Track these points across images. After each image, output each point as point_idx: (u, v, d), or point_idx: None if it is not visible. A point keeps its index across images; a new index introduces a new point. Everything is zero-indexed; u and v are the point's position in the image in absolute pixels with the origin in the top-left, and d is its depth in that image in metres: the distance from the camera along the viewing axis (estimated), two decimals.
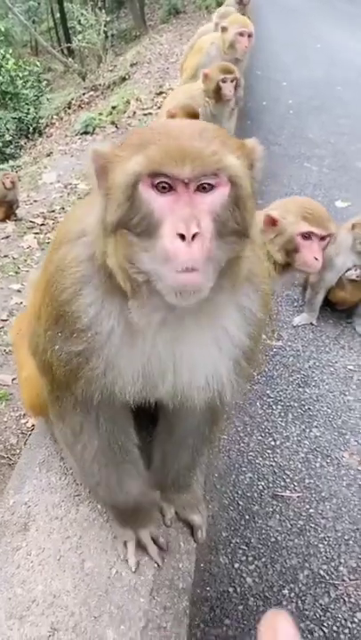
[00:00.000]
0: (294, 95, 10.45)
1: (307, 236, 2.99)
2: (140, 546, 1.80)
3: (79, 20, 18.13)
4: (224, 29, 5.59)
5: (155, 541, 1.83)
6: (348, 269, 4.49)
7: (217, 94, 4.86)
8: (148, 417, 1.91)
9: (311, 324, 4.70)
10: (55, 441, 2.04)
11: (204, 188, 1.26)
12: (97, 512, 1.83)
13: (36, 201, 9.34)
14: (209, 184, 1.26)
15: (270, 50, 13.58)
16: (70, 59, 20.54)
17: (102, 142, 1.39)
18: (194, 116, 4.33)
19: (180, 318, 1.42)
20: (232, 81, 4.86)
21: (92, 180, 1.37)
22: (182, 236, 1.20)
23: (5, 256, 7.47)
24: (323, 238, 3.04)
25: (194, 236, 1.20)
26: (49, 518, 1.80)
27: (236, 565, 2.92)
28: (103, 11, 19.27)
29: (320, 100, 10.22)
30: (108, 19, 19.07)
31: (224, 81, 4.81)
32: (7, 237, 8.02)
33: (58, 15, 25.32)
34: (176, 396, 1.58)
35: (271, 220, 3.03)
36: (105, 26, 18.32)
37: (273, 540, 3.05)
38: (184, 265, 1.21)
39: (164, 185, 1.25)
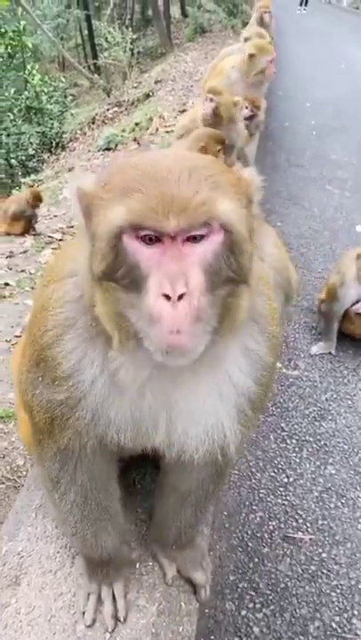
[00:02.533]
0: (317, 116, 10.38)
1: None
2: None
3: (106, 38, 18.35)
4: (252, 56, 5.53)
5: (117, 599, 1.70)
6: (354, 303, 4.36)
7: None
8: (151, 463, 1.80)
9: (330, 353, 4.56)
10: None
11: (194, 239, 1.15)
12: None
13: (55, 216, 9.36)
14: (199, 235, 1.15)
15: (293, 70, 13.58)
16: (96, 75, 20.78)
17: (87, 177, 1.26)
18: (223, 142, 4.27)
19: (173, 370, 1.30)
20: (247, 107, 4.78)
21: (78, 218, 1.26)
22: (168, 296, 1.09)
23: (22, 271, 7.44)
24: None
25: (181, 296, 1.09)
26: (42, 571, 1.68)
27: (243, 613, 2.77)
28: (130, 28, 19.51)
29: (343, 121, 10.13)
30: (134, 36, 19.31)
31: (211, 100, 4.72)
32: (25, 252, 8.01)
33: (86, 32, 25.73)
34: (171, 448, 1.46)
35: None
36: (131, 43, 18.52)
37: (283, 585, 2.89)
38: (169, 329, 1.10)
39: (151, 237, 1.13)
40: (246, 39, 5.65)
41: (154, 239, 1.13)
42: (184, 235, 1.13)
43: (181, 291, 1.09)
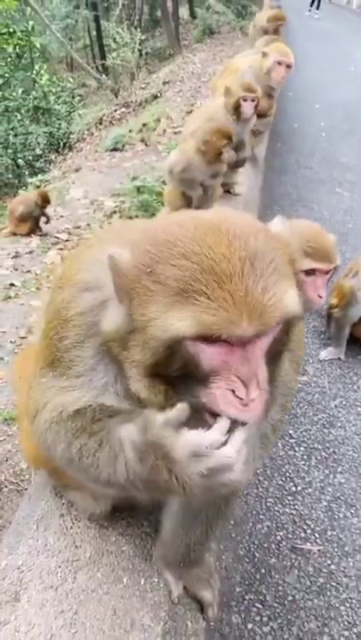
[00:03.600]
0: (327, 118, 10.30)
1: (310, 272, 2.80)
2: None
3: (114, 38, 18.34)
4: (265, 55, 5.46)
5: None
6: None
7: (236, 111, 4.69)
8: None
9: (339, 358, 4.47)
10: (56, 494, 1.88)
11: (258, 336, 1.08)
12: (96, 582, 1.65)
13: (62, 216, 9.31)
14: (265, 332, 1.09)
15: (303, 72, 13.49)
16: (104, 75, 20.80)
17: (122, 250, 1.12)
18: (230, 137, 4.20)
19: None
20: (253, 100, 4.68)
21: (109, 287, 1.19)
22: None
23: (28, 271, 7.40)
24: (327, 272, 2.85)
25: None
26: (43, 587, 1.62)
27: (250, 626, 2.69)
28: (138, 29, 19.49)
29: (353, 123, 10.05)
30: (143, 37, 19.28)
31: (245, 99, 4.64)
32: (31, 252, 7.97)
33: (94, 33, 25.78)
34: None
35: None
36: (139, 44, 18.51)
37: (290, 598, 2.81)
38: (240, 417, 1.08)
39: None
40: (265, 54, 5.56)
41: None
42: (256, 337, 1.07)
43: (255, 394, 1.06)
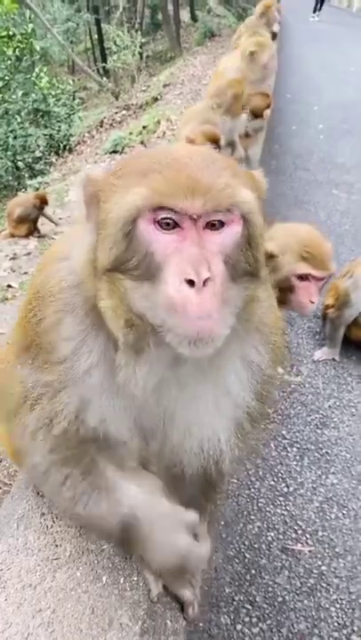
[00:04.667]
0: (325, 119, 10.30)
1: (304, 277, 2.80)
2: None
3: (115, 41, 18.41)
4: (253, 53, 5.47)
5: None
6: None
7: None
8: None
9: (333, 359, 4.46)
10: (37, 493, 1.87)
11: (213, 226, 1.10)
12: (75, 580, 1.64)
13: (60, 218, 9.32)
14: (220, 221, 1.10)
15: (302, 73, 13.53)
16: (105, 78, 20.85)
17: (96, 168, 1.20)
18: (215, 141, 4.17)
19: (177, 372, 1.24)
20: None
21: (81, 208, 1.21)
22: (191, 282, 1.04)
23: (25, 273, 7.40)
24: (321, 279, 2.85)
25: (205, 282, 1.04)
26: (21, 586, 1.61)
27: (239, 627, 2.67)
28: (139, 32, 19.55)
29: (351, 125, 10.04)
30: (143, 40, 19.36)
31: None
32: (29, 254, 7.98)
33: (95, 36, 25.85)
34: (163, 457, 1.39)
35: (269, 254, 2.83)
36: (140, 47, 18.58)
37: (280, 599, 2.80)
38: (196, 315, 1.04)
39: (168, 221, 1.08)
40: (252, 53, 5.58)
41: (172, 224, 1.08)
42: (206, 218, 1.09)
43: (206, 275, 1.04)
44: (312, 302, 2.82)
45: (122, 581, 1.66)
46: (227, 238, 1.11)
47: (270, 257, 2.82)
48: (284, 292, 2.84)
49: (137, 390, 1.23)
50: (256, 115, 5.35)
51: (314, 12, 25.59)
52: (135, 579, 1.67)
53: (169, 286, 1.06)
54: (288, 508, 3.26)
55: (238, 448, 1.41)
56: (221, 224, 1.11)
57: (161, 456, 1.39)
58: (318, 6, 25.59)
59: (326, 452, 3.64)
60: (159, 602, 1.66)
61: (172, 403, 1.30)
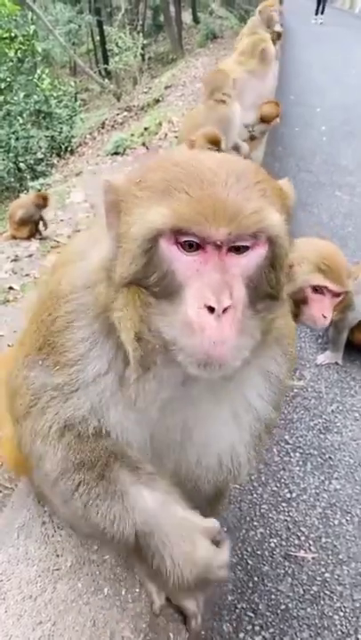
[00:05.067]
0: (328, 121, 10.28)
1: (319, 290, 2.75)
2: None
3: (117, 43, 18.42)
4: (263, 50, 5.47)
5: None
6: None
7: None
8: None
9: (336, 363, 4.43)
10: (38, 502, 1.84)
11: (237, 249, 1.06)
12: (76, 592, 1.61)
13: (62, 220, 9.30)
14: (244, 246, 1.06)
15: (305, 75, 13.51)
16: (107, 80, 20.86)
17: (116, 174, 1.18)
18: (216, 143, 4.14)
19: (192, 387, 1.21)
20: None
21: (100, 213, 1.18)
22: (211, 309, 1.01)
23: (27, 275, 7.39)
24: (336, 295, 2.80)
25: (225, 310, 1.01)
26: (21, 597, 1.58)
27: (241, 635, 2.64)
28: (141, 34, 19.57)
29: (354, 126, 10.02)
30: (145, 42, 19.36)
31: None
32: (30, 256, 7.96)
33: (97, 38, 25.87)
34: (178, 474, 1.36)
35: None
36: (142, 49, 18.60)
37: (283, 607, 2.77)
38: (212, 341, 1.01)
39: (192, 243, 1.05)
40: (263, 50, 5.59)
41: (194, 246, 1.05)
42: (231, 244, 1.05)
43: (227, 303, 1.01)
44: (325, 317, 2.77)
45: (124, 593, 1.63)
46: (250, 262, 1.08)
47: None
48: (297, 305, 2.79)
49: (146, 405, 1.20)
50: (264, 121, 5.35)
51: (316, 14, 25.39)
52: (137, 590, 1.65)
53: (188, 309, 1.03)
54: (291, 514, 3.23)
55: (255, 459, 1.39)
56: (245, 248, 1.08)
57: (176, 472, 1.36)
58: (321, 9, 25.36)
59: (329, 458, 3.61)
60: (162, 614, 1.63)
61: (188, 419, 1.28)
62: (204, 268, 1.04)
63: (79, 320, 1.28)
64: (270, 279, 1.11)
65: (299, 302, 2.79)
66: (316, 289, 2.76)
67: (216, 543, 1.32)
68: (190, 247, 1.05)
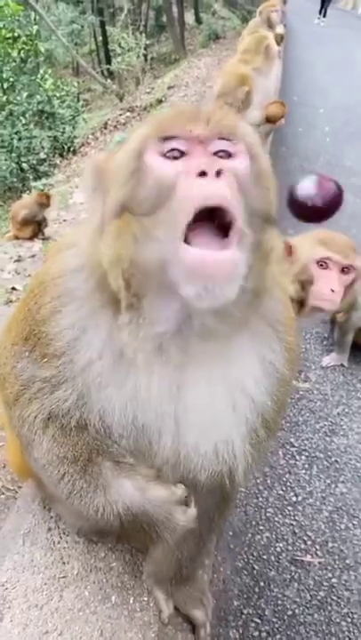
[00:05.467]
0: (331, 122, 10.25)
1: (324, 264, 2.62)
2: None
3: (120, 43, 18.39)
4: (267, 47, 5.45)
5: None
6: None
7: None
8: None
9: (342, 365, 4.39)
10: (44, 507, 1.81)
11: (221, 157, 1.07)
12: (83, 600, 1.58)
13: (65, 220, 9.28)
14: (227, 152, 1.07)
15: (308, 76, 13.48)
16: (109, 80, 20.84)
17: (101, 154, 1.18)
18: None
19: (185, 352, 1.14)
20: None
21: (89, 193, 1.19)
22: (203, 174, 1.00)
23: (29, 275, 7.36)
24: (344, 270, 2.65)
25: (218, 174, 0.99)
26: (27, 606, 1.54)
27: None
28: (144, 34, 19.54)
29: (358, 127, 9.99)
30: (148, 42, 19.32)
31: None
32: (33, 256, 7.94)
33: (100, 38, 25.88)
34: (176, 464, 1.32)
35: (287, 247, 2.68)
36: (145, 49, 18.56)
37: (290, 613, 2.73)
38: (204, 201, 0.97)
39: (176, 154, 1.05)
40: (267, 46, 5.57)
41: (180, 156, 1.05)
42: (213, 145, 1.07)
43: (218, 167, 1.00)
44: (333, 291, 2.62)
45: (131, 601, 1.60)
46: (237, 165, 1.07)
47: (288, 251, 2.69)
48: (305, 288, 2.68)
49: (140, 351, 1.15)
50: (269, 121, 5.31)
51: (319, 14, 25.13)
52: (145, 599, 1.61)
53: (178, 189, 1.01)
54: (297, 517, 3.19)
55: (252, 457, 1.34)
56: (229, 155, 1.08)
57: (173, 463, 1.33)
58: (323, 10, 25.07)
59: (335, 461, 3.57)
60: (170, 623, 1.59)
61: (185, 396, 1.23)
62: (191, 164, 1.03)
63: (66, 305, 1.25)
64: (259, 194, 1.09)
65: (305, 285, 2.67)
66: (321, 263, 2.64)
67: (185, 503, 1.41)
68: (175, 159, 1.06)
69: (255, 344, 1.26)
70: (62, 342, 1.24)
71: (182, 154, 1.05)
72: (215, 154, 1.07)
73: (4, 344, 1.45)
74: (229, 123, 1.10)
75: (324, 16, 25.01)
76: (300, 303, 2.71)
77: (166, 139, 1.06)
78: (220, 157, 1.06)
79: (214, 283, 0.97)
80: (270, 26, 7.50)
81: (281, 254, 1.27)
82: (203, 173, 0.99)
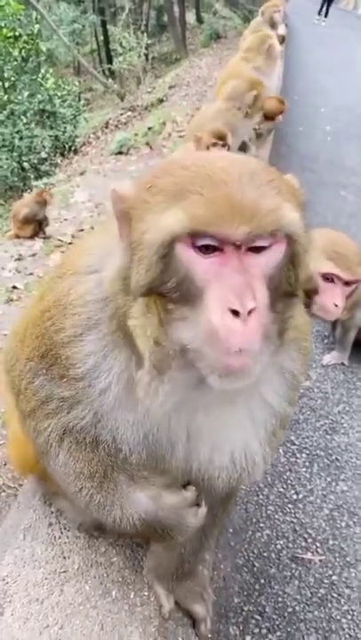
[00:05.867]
0: (332, 121, 10.25)
1: (329, 278, 2.68)
2: None
3: (121, 43, 18.42)
4: (269, 47, 5.46)
5: None
6: None
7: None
8: None
9: (342, 363, 4.39)
10: (45, 502, 1.81)
11: (255, 249, 1.03)
12: (84, 595, 1.58)
13: (66, 219, 9.29)
14: (262, 245, 1.03)
15: (308, 75, 13.49)
16: (110, 79, 20.85)
17: (125, 182, 1.14)
18: (222, 137, 4.12)
19: (205, 394, 1.17)
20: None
21: (112, 221, 1.15)
22: (234, 312, 0.97)
23: (30, 274, 7.37)
24: (347, 284, 2.73)
25: (249, 312, 0.97)
26: (28, 600, 1.55)
27: (248, 638, 2.61)
28: (145, 34, 19.56)
29: (359, 127, 9.98)
30: (149, 42, 19.35)
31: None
32: (34, 255, 7.95)
33: (101, 38, 25.90)
34: (189, 473, 1.33)
35: None
36: (146, 48, 18.59)
37: (290, 610, 2.73)
38: (237, 347, 0.97)
39: (208, 246, 1.01)
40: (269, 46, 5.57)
41: (211, 248, 1.01)
42: (250, 244, 1.01)
43: (252, 306, 0.97)
44: (336, 305, 2.69)
45: (132, 596, 1.60)
46: (270, 261, 1.04)
47: None
48: (308, 295, 2.72)
49: (155, 406, 1.17)
50: (268, 118, 5.31)
51: (319, 14, 24.75)
52: (146, 594, 1.62)
53: (211, 315, 0.99)
54: (298, 515, 3.19)
55: (270, 457, 1.36)
56: (263, 247, 1.04)
57: (186, 472, 1.35)
58: (325, 10, 24.66)
59: (336, 459, 3.57)
60: (171, 618, 1.60)
61: (199, 417, 1.25)
62: (224, 270, 1.00)
63: (88, 334, 1.26)
64: (289, 277, 1.08)
65: (309, 292, 2.72)
66: (327, 277, 2.68)
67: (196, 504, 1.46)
68: (207, 250, 1.01)
69: (277, 359, 1.26)
70: (83, 368, 1.27)
71: (215, 248, 1.02)
72: (250, 248, 1.03)
73: (17, 355, 1.47)
74: (271, 220, 1.01)
75: (326, 16, 24.66)
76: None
77: (200, 236, 1.01)
78: (255, 251, 1.03)
79: (241, 379, 1.04)
80: (272, 26, 7.52)
81: (302, 314, 1.32)
82: (235, 312, 0.97)
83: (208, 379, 1.05)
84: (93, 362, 1.26)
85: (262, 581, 2.84)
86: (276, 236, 1.03)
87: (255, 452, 1.31)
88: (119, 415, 1.29)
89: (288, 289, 1.08)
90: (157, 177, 1.10)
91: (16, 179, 13.48)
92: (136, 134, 12.55)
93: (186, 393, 1.16)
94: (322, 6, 24.53)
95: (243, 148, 4.67)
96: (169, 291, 1.03)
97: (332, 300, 2.68)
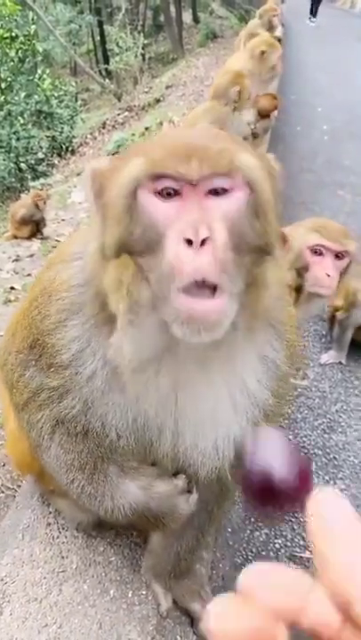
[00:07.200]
0: (329, 120, 10.25)
1: (317, 250, 2.65)
2: None
3: (117, 43, 18.41)
4: (263, 53, 5.46)
5: None
6: None
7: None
8: None
9: (340, 362, 4.40)
10: (43, 502, 1.82)
11: (216, 193, 1.05)
12: (82, 594, 1.59)
13: (63, 220, 9.30)
14: (222, 188, 1.05)
15: (306, 74, 13.50)
16: (107, 80, 20.84)
17: (102, 159, 1.18)
18: None
19: (182, 362, 1.17)
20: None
21: (90, 201, 1.17)
22: (190, 242, 0.98)
23: (28, 275, 7.37)
24: (338, 256, 2.68)
25: (204, 242, 0.98)
26: (26, 599, 1.55)
27: None
28: (142, 34, 19.55)
29: (356, 126, 9.99)
30: (146, 42, 19.34)
31: None
32: (32, 256, 7.95)
33: (98, 38, 25.87)
34: (176, 460, 1.34)
35: (281, 236, 2.71)
36: (142, 48, 18.58)
37: None
38: (192, 276, 0.98)
39: (169, 191, 1.04)
40: (263, 52, 5.59)
41: (173, 194, 1.04)
42: (207, 184, 1.04)
43: (205, 235, 0.98)
44: (329, 275, 2.64)
45: (130, 595, 1.61)
46: (230, 204, 1.05)
47: (283, 240, 2.70)
48: (301, 275, 2.69)
49: (126, 363, 1.17)
50: (263, 115, 5.32)
51: (310, 14, 24.55)
52: (144, 592, 1.62)
53: (168, 251, 1.02)
54: (296, 514, 3.19)
55: None
56: (224, 191, 1.06)
57: (173, 458, 1.36)
58: (314, 10, 24.24)
59: (334, 458, 3.58)
60: (169, 616, 1.60)
61: (184, 398, 1.25)
62: (183, 210, 1.03)
63: (71, 319, 1.28)
64: (255, 227, 1.07)
65: (301, 272, 2.69)
66: (315, 250, 2.66)
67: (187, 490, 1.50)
68: (169, 195, 1.05)
69: (256, 343, 1.27)
70: (68, 354, 1.28)
71: (176, 192, 1.05)
72: (209, 192, 1.05)
73: (8, 349, 1.49)
74: (224, 159, 1.04)
75: (315, 15, 24.42)
76: (298, 290, 2.73)
77: (159, 177, 1.04)
78: (216, 195, 1.05)
79: (202, 328, 1.02)
80: (270, 29, 7.55)
81: (281, 278, 1.31)
82: (189, 241, 0.99)
83: (172, 328, 1.05)
84: (78, 347, 1.27)
85: None
86: (234, 180, 1.05)
87: (237, 439, 1.31)
88: (109, 399, 1.30)
89: (255, 241, 1.07)
90: (129, 148, 1.18)
91: (13, 179, 13.47)
92: (133, 134, 12.54)
93: (157, 349, 1.15)
94: (312, 6, 24.34)
95: None
96: (136, 243, 1.05)
97: (323, 271, 2.63)
